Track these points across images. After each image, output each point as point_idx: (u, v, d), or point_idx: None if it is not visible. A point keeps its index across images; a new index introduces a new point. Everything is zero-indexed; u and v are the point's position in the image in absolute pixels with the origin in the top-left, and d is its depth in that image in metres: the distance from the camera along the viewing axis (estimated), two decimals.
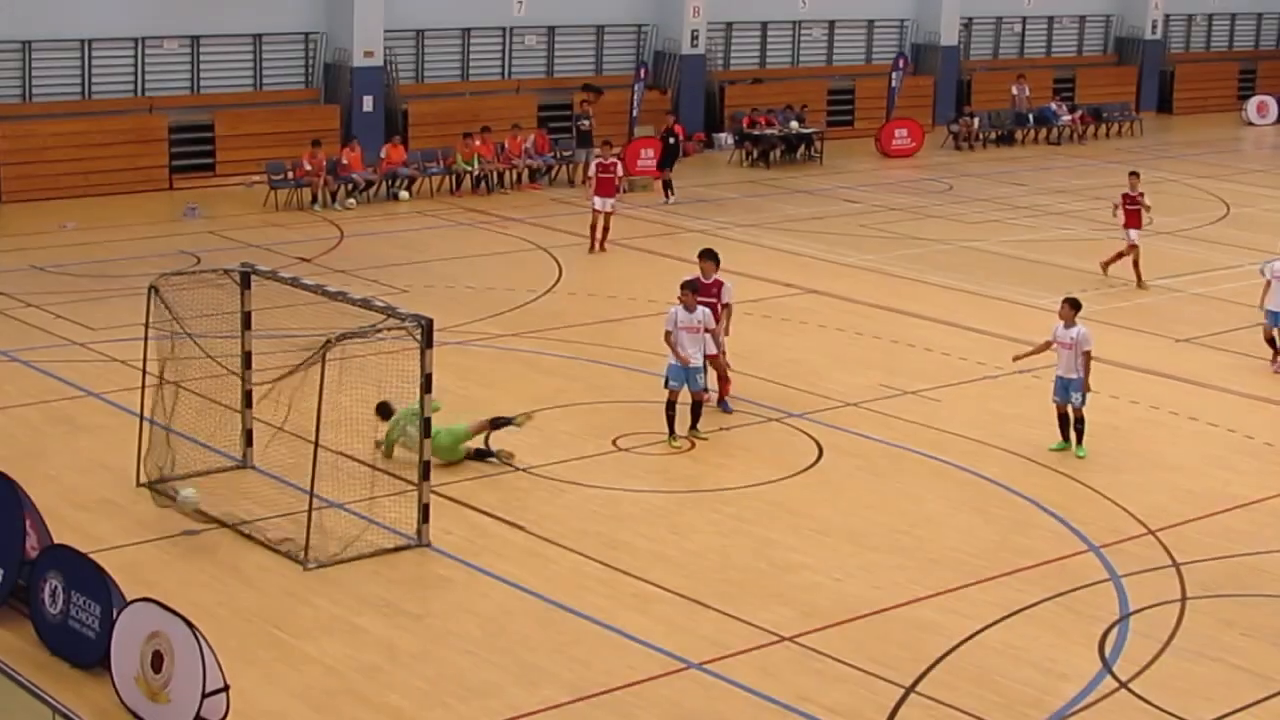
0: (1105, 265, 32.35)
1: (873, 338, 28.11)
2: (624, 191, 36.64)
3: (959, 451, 22.30)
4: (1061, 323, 22.28)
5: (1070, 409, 22.26)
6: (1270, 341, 26.50)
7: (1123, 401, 24.48)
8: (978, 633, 16.79)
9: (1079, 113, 53.87)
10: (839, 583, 17.99)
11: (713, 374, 23.24)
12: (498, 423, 21.23)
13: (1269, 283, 26.53)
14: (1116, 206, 32.58)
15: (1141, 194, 32.14)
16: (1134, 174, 33.01)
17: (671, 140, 41.13)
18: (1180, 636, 16.91)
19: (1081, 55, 59.48)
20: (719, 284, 23.46)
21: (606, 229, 33.69)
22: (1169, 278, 32.83)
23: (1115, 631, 16.93)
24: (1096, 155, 49.99)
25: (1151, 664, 16.27)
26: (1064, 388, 22.29)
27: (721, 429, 22.86)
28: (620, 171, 34.92)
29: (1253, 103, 59.93)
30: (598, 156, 34.84)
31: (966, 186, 43.61)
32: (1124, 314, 29.62)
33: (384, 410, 20.83)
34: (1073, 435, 22.34)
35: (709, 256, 23.68)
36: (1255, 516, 20.52)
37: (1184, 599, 17.82)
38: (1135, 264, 31.82)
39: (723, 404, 23.41)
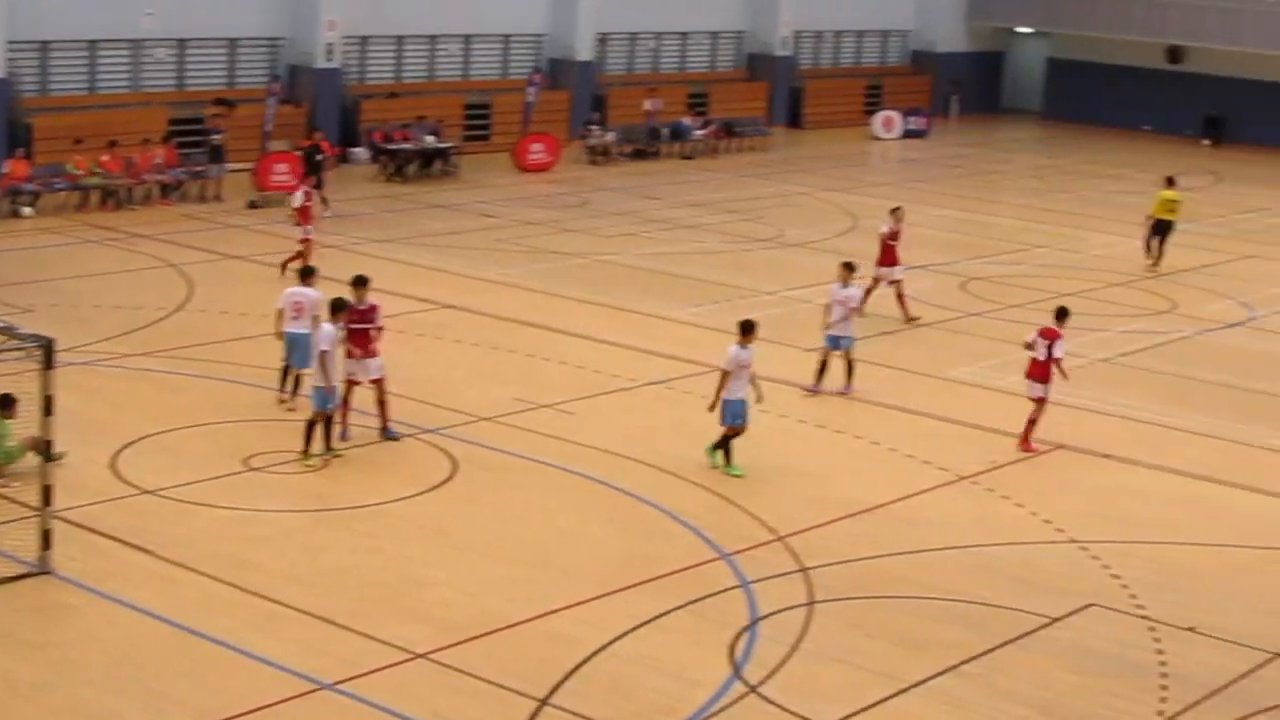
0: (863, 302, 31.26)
1: (509, 352, 28.16)
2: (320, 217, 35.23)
3: (593, 464, 22.45)
4: (736, 344, 22.37)
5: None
6: (822, 366, 26.39)
7: (754, 410, 24.69)
8: (611, 643, 16.91)
9: (712, 127, 54.71)
10: (473, 597, 17.95)
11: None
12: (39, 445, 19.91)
13: (830, 305, 26.33)
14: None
15: (893, 232, 31.22)
16: (896, 210, 31.89)
17: (319, 156, 40.56)
18: (808, 640, 17.29)
19: (714, 70, 60.46)
20: (374, 308, 23.16)
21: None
22: (799, 288, 33.64)
23: (745, 637, 17.22)
24: (729, 169, 50.90)
25: (780, 667, 16.61)
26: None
27: (357, 446, 22.62)
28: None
29: (879, 117, 61.64)
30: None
31: (602, 200, 43.96)
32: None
33: None
34: (724, 452, 22.63)
35: (362, 283, 23.33)
36: (878, 520, 21.12)
37: (811, 603, 18.22)
38: (900, 297, 31.31)
39: (387, 432, 23.07)
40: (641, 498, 21.28)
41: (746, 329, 22.44)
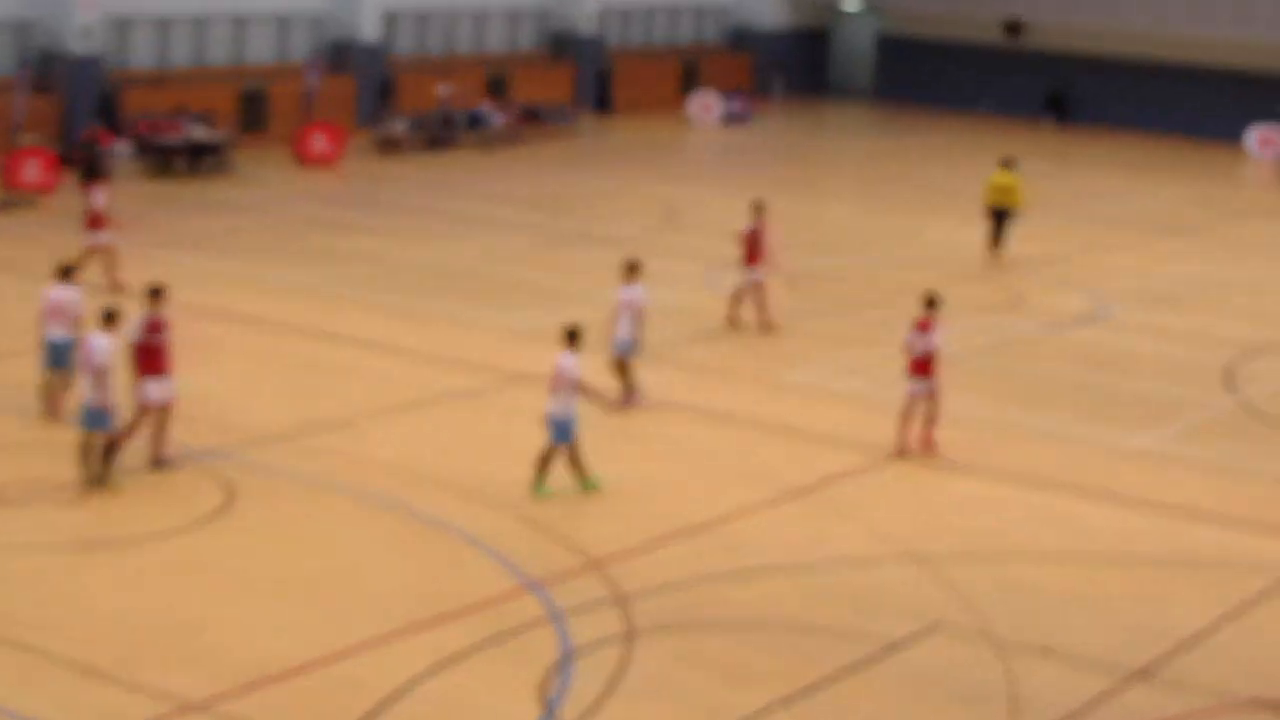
0: (731, 316, 31.35)
1: (291, 365, 27.88)
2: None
3: (387, 486, 22.27)
4: (566, 352, 22.24)
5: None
6: (621, 371, 26.31)
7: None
8: (408, 686, 16.71)
9: (513, 114, 54.60)
10: (252, 640, 17.67)
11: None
12: None
13: (618, 309, 26.32)
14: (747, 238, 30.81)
15: (755, 230, 30.97)
16: (757, 204, 31.57)
17: (97, 150, 39.77)
18: (627, 675, 17.21)
19: (515, 51, 60.41)
20: (162, 322, 22.79)
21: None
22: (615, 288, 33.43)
23: (558, 674, 17.11)
24: (533, 159, 50.91)
25: (597, 707, 16.51)
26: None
27: (123, 472, 22.14)
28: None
29: (696, 101, 61.92)
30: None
31: (394, 196, 43.79)
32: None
33: None
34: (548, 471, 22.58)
35: (157, 294, 22.81)
36: (703, 540, 21.13)
37: (630, 634, 18.16)
38: (761, 303, 31.12)
39: (159, 460, 22.66)
40: (441, 522, 21.12)
41: (573, 336, 22.42)
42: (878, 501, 22.92)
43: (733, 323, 31.18)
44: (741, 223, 31.84)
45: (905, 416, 24.76)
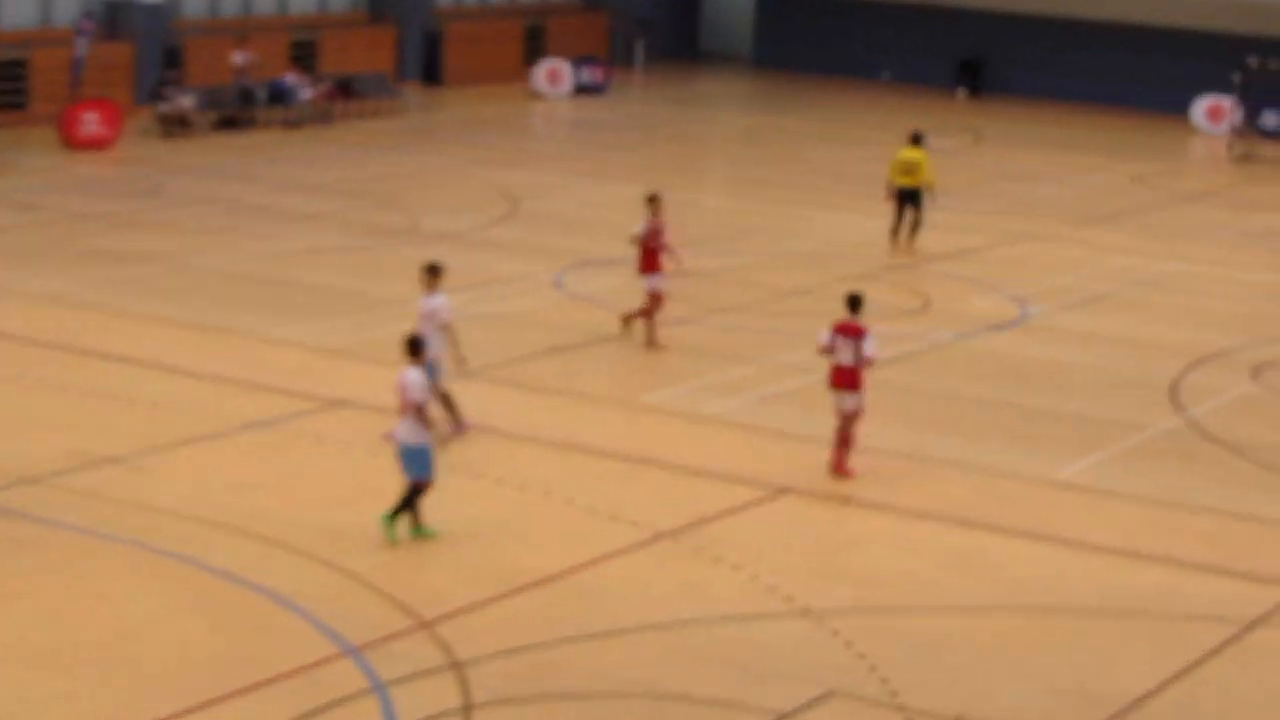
0: (626, 319, 31.55)
1: (59, 389, 27.65)
2: None
3: (176, 535, 22.05)
4: (411, 368, 22.17)
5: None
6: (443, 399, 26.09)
7: (383, 459, 24.13)
8: None
9: (324, 86, 54.47)
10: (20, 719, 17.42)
11: None
12: None
13: (419, 323, 25.84)
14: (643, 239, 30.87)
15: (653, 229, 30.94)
16: (652, 199, 31.36)
17: None
18: None
19: (325, 13, 60.29)
20: None
21: None
22: (450, 291, 33.29)
23: None
24: (349, 139, 50.87)
25: None
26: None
27: None
28: None
29: (542, 70, 61.97)
30: None
31: (181, 185, 43.57)
32: (386, 345, 28.97)
33: None
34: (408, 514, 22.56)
35: None
36: (553, 595, 21.10)
37: (468, 707, 18.05)
38: (648, 314, 31.11)
39: None
40: (240, 578, 20.90)
41: (415, 346, 22.37)
42: (763, 545, 22.88)
43: (627, 325, 31.28)
44: (623, 218, 31.67)
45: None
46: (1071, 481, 25.98)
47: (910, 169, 39.70)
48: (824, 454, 25.67)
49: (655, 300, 30.96)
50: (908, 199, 39.72)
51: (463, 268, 34.87)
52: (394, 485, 22.56)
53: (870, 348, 25.12)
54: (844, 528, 23.85)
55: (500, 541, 22.61)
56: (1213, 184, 52.86)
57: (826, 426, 25.99)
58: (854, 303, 25.40)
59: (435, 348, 25.23)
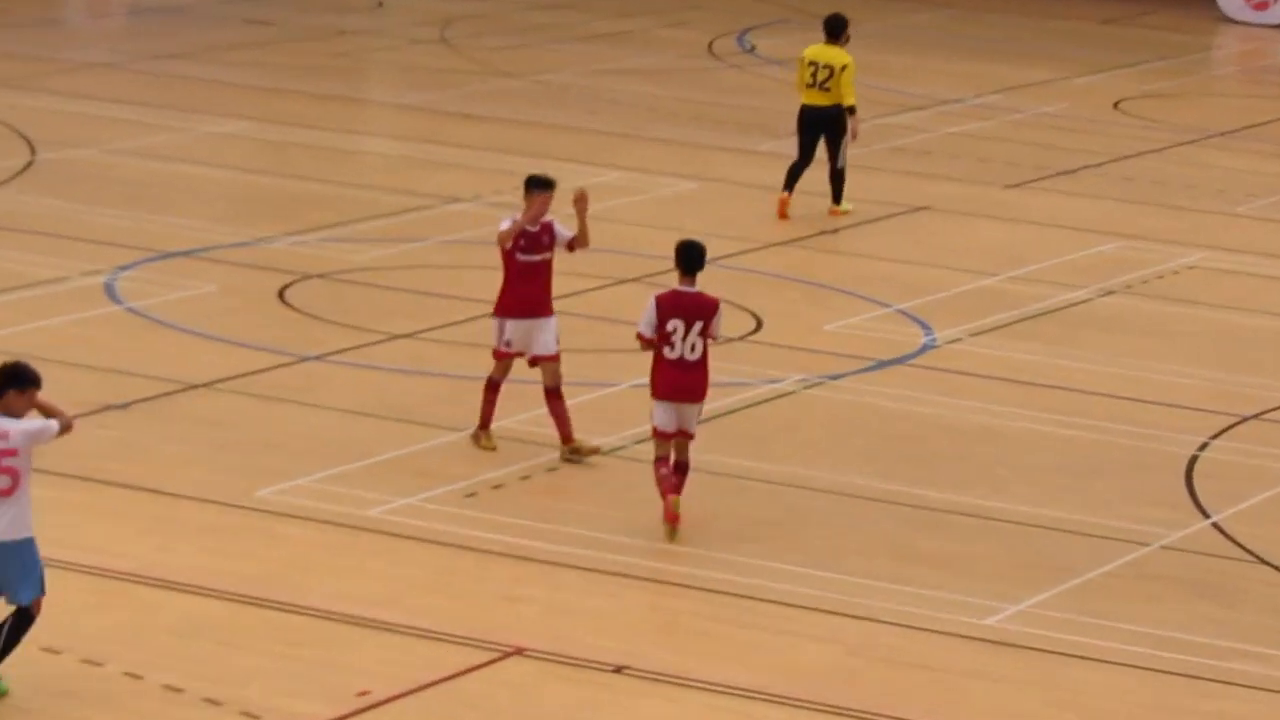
0: None
1: None
2: None
3: None
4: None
5: None
6: None
7: None
8: None
9: None
10: None
11: None
12: None
13: None
14: None
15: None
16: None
17: None
18: None
19: None
20: None
21: None
22: None
23: None
24: None
25: None
26: None
27: None
28: None
29: None
30: None
31: None
32: None
33: None
34: None
35: None
36: None
37: None
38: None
39: None
40: None
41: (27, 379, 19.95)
42: None
43: None
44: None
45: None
46: (1006, 635, 21.17)
47: (823, 78, 34.84)
48: None
49: None
50: (819, 127, 34.39)
51: None
52: None
53: (716, 329, 23.13)
54: (567, 692, 19.92)
55: None
56: (1253, 113, 47.06)
57: None
58: (690, 258, 22.78)
59: None
